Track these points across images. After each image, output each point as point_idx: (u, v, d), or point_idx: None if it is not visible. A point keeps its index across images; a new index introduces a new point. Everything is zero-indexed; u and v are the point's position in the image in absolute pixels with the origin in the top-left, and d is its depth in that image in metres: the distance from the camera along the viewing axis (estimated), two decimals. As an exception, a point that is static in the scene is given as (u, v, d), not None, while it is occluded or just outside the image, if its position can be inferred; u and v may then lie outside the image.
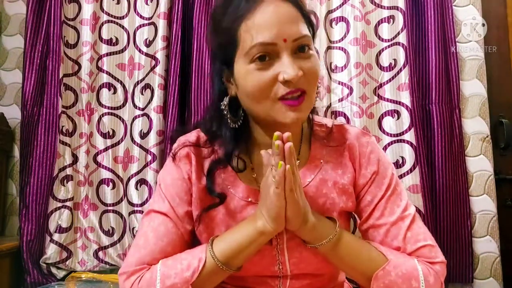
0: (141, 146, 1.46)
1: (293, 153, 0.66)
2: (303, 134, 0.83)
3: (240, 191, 0.78)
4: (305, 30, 0.72)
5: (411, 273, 0.70)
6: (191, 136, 0.83)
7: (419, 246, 0.74)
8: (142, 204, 1.43)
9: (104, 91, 1.51)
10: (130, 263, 0.73)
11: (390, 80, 1.42)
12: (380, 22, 1.45)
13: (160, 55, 1.48)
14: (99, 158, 1.48)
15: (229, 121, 0.76)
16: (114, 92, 1.52)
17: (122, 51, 1.53)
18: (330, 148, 0.81)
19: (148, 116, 1.47)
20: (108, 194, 1.47)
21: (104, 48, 1.52)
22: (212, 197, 0.77)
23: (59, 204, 1.44)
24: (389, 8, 1.44)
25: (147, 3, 1.53)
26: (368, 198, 0.79)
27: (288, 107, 0.70)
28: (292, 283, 0.78)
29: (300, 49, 0.71)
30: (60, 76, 1.47)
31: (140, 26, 1.52)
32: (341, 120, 1.40)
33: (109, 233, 1.45)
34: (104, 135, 1.50)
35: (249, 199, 0.77)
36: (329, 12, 1.47)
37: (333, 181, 0.79)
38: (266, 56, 0.69)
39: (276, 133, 0.66)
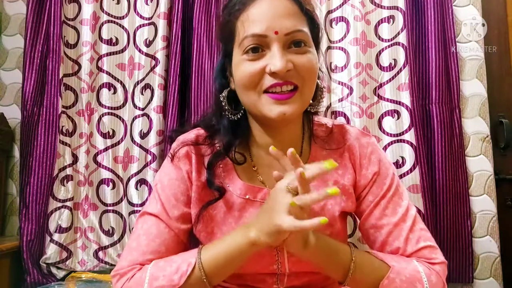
0: (141, 146, 1.46)
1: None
2: (304, 134, 0.82)
3: (237, 189, 0.78)
4: (301, 25, 0.71)
5: (414, 276, 0.70)
6: (190, 134, 0.83)
7: (420, 247, 0.74)
8: (142, 204, 1.43)
9: (104, 91, 1.51)
10: (122, 265, 0.73)
11: (390, 80, 1.42)
12: (380, 22, 1.45)
13: (160, 55, 1.48)
14: (99, 158, 1.48)
15: (227, 113, 0.77)
16: (114, 92, 1.52)
17: (122, 51, 1.53)
18: (330, 149, 0.81)
19: (148, 116, 1.47)
20: (108, 194, 1.47)
21: (104, 48, 1.52)
22: (211, 194, 0.77)
23: (59, 204, 1.44)
24: (389, 8, 1.44)
25: (147, 3, 1.53)
26: (370, 199, 0.79)
27: (274, 100, 0.69)
28: (290, 280, 0.78)
29: (295, 44, 0.71)
30: (60, 76, 1.46)
31: (140, 26, 1.52)
32: (341, 120, 1.40)
33: (109, 233, 1.45)
34: (104, 135, 1.50)
35: (247, 196, 0.77)
36: (329, 12, 1.47)
37: (334, 180, 0.79)
38: (259, 48, 0.70)
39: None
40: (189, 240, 0.81)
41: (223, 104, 0.77)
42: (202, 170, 0.79)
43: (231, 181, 0.79)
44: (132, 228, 1.42)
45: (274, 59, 0.68)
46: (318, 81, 0.77)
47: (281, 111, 0.69)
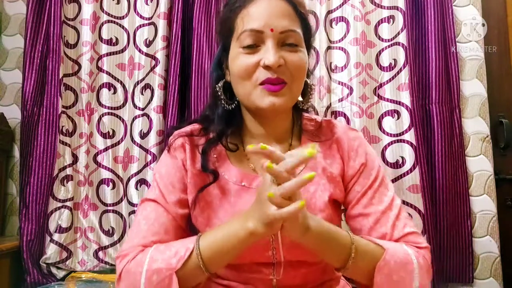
0: (141, 146, 1.46)
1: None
2: (294, 127, 0.88)
3: (233, 176, 0.81)
4: (295, 26, 0.78)
5: (405, 258, 0.73)
6: (186, 128, 0.88)
7: (406, 233, 0.78)
8: (142, 204, 1.43)
9: (104, 91, 1.51)
10: (125, 248, 0.76)
11: (390, 80, 1.42)
12: (380, 22, 1.45)
13: (160, 55, 1.48)
14: (99, 158, 1.48)
15: (222, 102, 0.82)
16: (114, 92, 1.52)
17: (122, 51, 1.53)
18: (319, 141, 0.86)
19: (148, 116, 1.47)
20: (108, 194, 1.47)
21: (104, 48, 1.52)
22: (206, 180, 0.81)
23: (59, 204, 1.44)
24: (389, 8, 1.44)
25: (147, 3, 1.53)
26: (357, 189, 0.82)
27: (267, 91, 0.75)
28: (287, 270, 0.79)
29: (289, 44, 0.77)
30: (60, 76, 1.47)
31: (140, 26, 1.52)
32: (340, 120, 1.40)
33: (109, 233, 1.45)
34: (104, 135, 1.50)
35: (243, 183, 0.80)
36: (329, 12, 1.47)
37: (322, 167, 0.83)
38: (254, 42, 0.76)
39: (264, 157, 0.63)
40: (187, 227, 0.83)
41: (219, 93, 0.82)
42: (196, 158, 0.83)
43: (226, 169, 0.82)
44: (132, 228, 1.43)
45: (268, 54, 0.74)
46: (307, 79, 0.83)
47: (271, 102, 0.75)
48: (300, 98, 0.83)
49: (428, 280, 0.76)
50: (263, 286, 0.79)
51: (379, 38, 1.44)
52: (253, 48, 0.76)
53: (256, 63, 0.75)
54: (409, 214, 1.30)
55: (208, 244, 0.71)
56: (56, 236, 1.42)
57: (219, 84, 0.83)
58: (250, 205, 0.70)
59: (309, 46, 0.83)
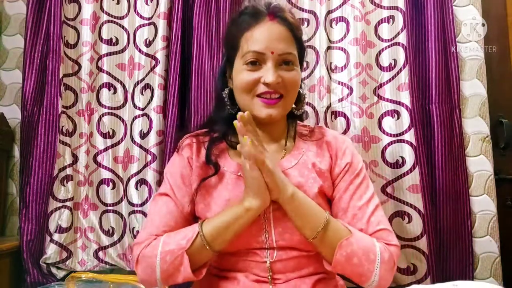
0: (141, 146, 1.46)
1: (252, 129, 0.83)
2: (288, 131, 1.01)
3: (232, 167, 0.94)
4: (291, 49, 0.91)
5: (370, 247, 0.83)
6: (193, 133, 1.03)
7: (379, 229, 0.87)
8: (142, 204, 1.43)
9: (104, 91, 1.51)
10: (140, 237, 0.89)
11: (390, 80, 1.41)
12: (380, 22, 1.45)
13: (160, 55, 1.48)
14: (99, 158, 1.48)
15: (227, 107, 0.96)
16: (114, 92, 1.52)
17: (122, 51, 1.53)
18: (311, 142, 0.99)
19: (148, 116, 1.47)
20: (108, 194, 1.47)
21: (104, 48, 1.52)
22: (208, 172, 0.93)
23: (59, 204, 1.44)
24: (389, 8, 1.44)
25: (147, 3, 1.53)
26: (341, 185, 0.93)
27: (264, 104, 0.89)
28: (279, 254, 0.87)
29: (285, 63, 0.90)
30: (60, 76, 1.46)
31: (140, 26, 1.52)
32: (340, 120, 1.40)
33: (109, 233, 1.46)
34: (104, 135, 1.50)
35: (239, 173, 0.92)
36: (329, 12, 1.47)
37: (312, 163, 0.94)
38: (256, 62, 0.89)
39: (239, 114, 0.82)
40: (194, 219, 0.94)
41: (225, 100, 0.96)
42: (201, 153, 0.96)
43: (226, 163, 0.95)
44: (133, 228, 1.44)
45: (268, 73, 0.87)
46: (300, 90, 0.98)
47: (268, 113, 0.89)
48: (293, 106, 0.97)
49: (390, 277, 0.84)
50: (258, 270, 0.87)
51: (379, 38, 1.44)
52: (255, 65, 0.89)
53: (257, 80, 0.89)
54: (407, 213, 1.32)
55: (210, 226, 0.84)
56: (56, 236, 1.42)
57: (226, 92, 0.97)
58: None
59: (302, 63, 0.98)
